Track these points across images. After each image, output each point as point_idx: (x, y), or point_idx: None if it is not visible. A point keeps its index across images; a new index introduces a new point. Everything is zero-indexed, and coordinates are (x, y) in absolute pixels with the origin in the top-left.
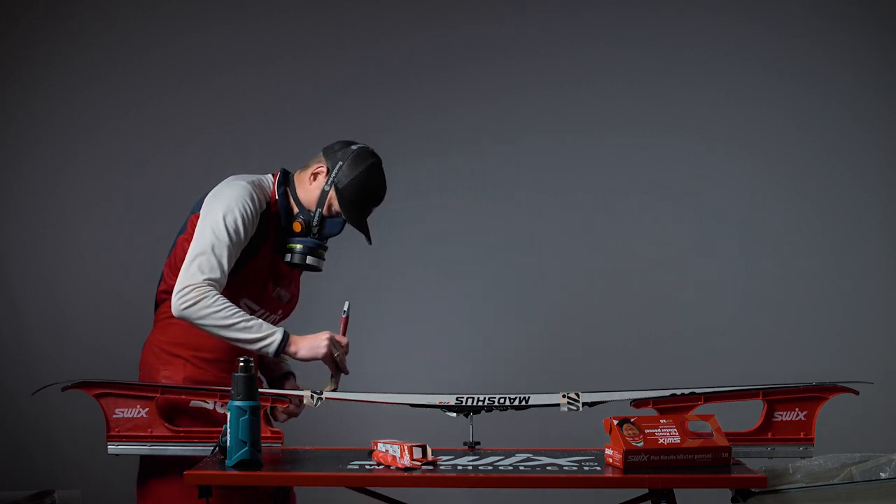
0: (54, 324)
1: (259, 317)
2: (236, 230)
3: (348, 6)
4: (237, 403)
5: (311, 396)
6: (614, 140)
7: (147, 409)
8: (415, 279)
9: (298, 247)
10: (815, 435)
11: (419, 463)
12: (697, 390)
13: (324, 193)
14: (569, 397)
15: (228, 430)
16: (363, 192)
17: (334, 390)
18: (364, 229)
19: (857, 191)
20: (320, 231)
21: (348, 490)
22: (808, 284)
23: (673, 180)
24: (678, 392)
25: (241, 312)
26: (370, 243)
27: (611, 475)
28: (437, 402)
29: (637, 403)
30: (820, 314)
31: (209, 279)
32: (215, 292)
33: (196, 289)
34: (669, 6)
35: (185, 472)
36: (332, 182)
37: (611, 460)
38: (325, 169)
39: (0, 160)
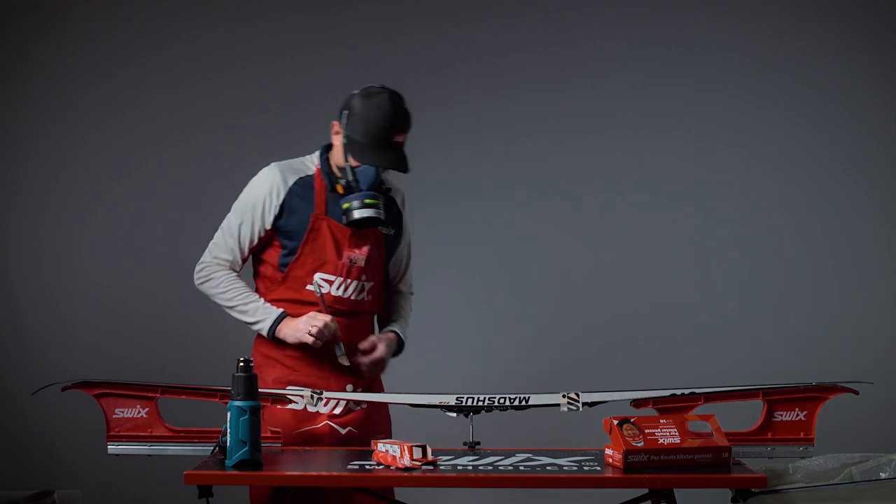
0: (54, 324)
1: (345, 288)
2: (244, 210)
3: (348, 6)
4: (237, 403)
5: (311, 396)
6: (614, 140)
7: (147, 409)
8: (414, 279)
9: (345, 205)
10: (815, 435)
11: (419, 463)
12: (697, 390)
13: (344, 147)
14: (569, 397)
15: (228, 430)
16: (369, 129)
17: (350, 366)
18: (389, 164)
19: (857, 191)
20: (359, 183)
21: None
22: (808, 284)
23: (673, 180)
24: (678, 392)
25: (244, 295)
26: (406, 171)
27: (611, 475)
28: (437, 402)
29: (637, 403)
30: (820, 314)
31: (218, 258)
32: (224, 272)
33: (206, 267)
34: (669, 6)
35: (185, 472)
36: (346, 133)
37: (611, 460)
38: (338, 123)
39: (0, 160)
